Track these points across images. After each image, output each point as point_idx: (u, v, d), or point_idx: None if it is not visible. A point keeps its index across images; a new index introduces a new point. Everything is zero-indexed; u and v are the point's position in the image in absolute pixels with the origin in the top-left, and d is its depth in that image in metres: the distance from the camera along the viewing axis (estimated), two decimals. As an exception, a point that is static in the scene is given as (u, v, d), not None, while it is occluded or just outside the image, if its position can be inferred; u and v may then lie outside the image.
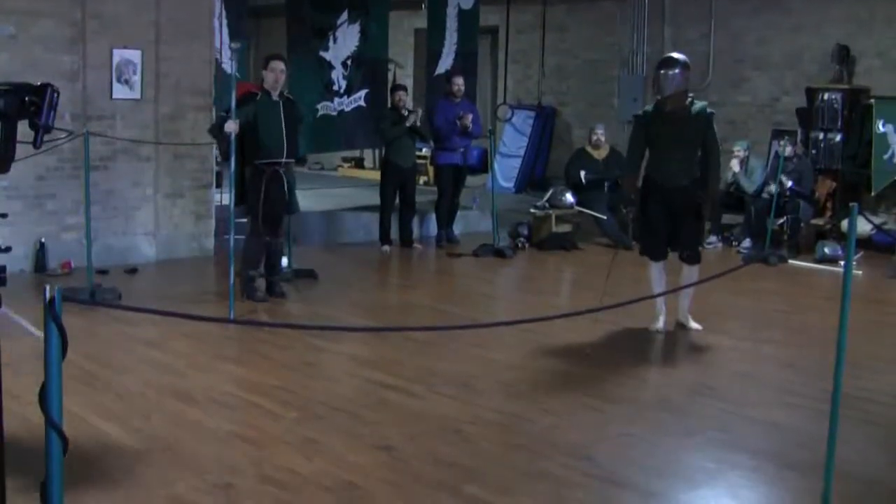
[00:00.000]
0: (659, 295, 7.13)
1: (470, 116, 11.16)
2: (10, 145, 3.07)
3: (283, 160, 8.05)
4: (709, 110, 7.30)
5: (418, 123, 10.87)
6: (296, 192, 8.33)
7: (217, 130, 8.04)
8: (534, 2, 15.36)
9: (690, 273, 7.31)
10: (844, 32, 11.96)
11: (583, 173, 11.88)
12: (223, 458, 4.64)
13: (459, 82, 11.38)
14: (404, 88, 11.42)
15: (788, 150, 11.11)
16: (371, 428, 5.12)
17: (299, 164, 10.21)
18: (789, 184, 10.87)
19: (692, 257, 7.34)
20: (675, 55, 7.33)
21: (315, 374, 6.21)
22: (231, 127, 7.58)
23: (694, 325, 7.52)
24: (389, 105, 11.29)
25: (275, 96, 8.07)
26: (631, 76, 14.33)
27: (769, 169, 11.45)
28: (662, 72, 7.12)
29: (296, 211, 8.55)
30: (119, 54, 9.23)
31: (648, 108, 7.50)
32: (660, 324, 7.39)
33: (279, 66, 8.13)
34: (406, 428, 5.14)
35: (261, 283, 8.22)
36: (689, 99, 7.25)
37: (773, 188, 10.87)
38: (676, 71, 7.09)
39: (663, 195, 7.23)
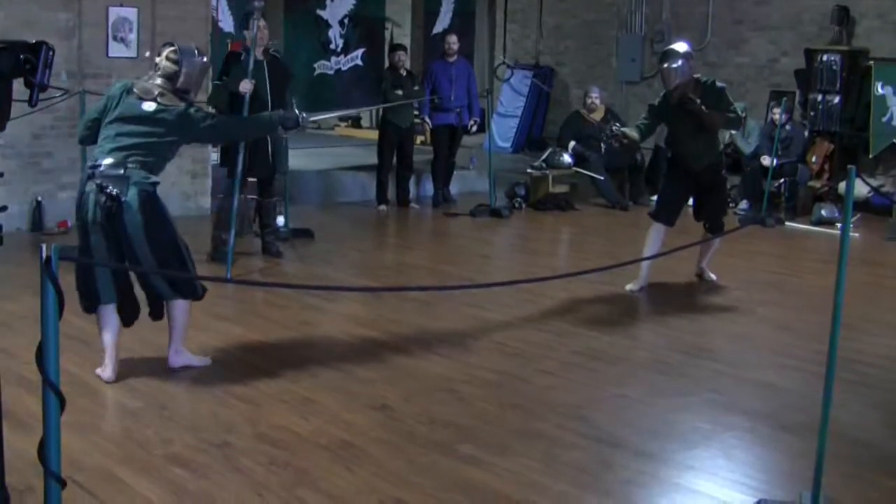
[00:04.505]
0: (647, 259, 7.20)
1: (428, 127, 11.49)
2: (5, 104, 3.05)
3: None
4: (718, 84, 7.32)
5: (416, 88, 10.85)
6: (285, 152, 8.15)
7: (223, 94, 7.76)
8: (532, -40, 15.24)
9: (713, 239, 7.56)
10: (844, -7, 11.87)
11: (572, 144, 11.82)
12: (219, 417, 4.66)
13: (452, 40, 11.28)
14: (404, 49, 11.31)
15: (783, 118, 11.03)
16: (367, 387, 5.14)
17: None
18: (766, 161, 10.81)
19: (715, 229, 7.60)
20: (676, 46, 7.25)
21: (311, 334, 6.22)
22: (246, 87, 7.39)
23: (711, 276, 7.86)
24: (388, 65, 11.21)
25: (259, 55, 7.78)
26: (629, 36, 14.24)
27: (763, 137, 11.37)
28: (665, 66, 7.15)
29: (284, 172, 8.42)
30: (115, 12, 9.16)
31: (660, 99, 7.45)
32: (636, 285, 7.46)
33: (260, 22, 7.70)
34: (402, 387, 5.16)
35: (252, 243, 8.20)
36: (698, 80, 7.25)
37: (765, 160, 10.89)
38: (679, 63, 7.09)
39: (688, 174, 7.44)
